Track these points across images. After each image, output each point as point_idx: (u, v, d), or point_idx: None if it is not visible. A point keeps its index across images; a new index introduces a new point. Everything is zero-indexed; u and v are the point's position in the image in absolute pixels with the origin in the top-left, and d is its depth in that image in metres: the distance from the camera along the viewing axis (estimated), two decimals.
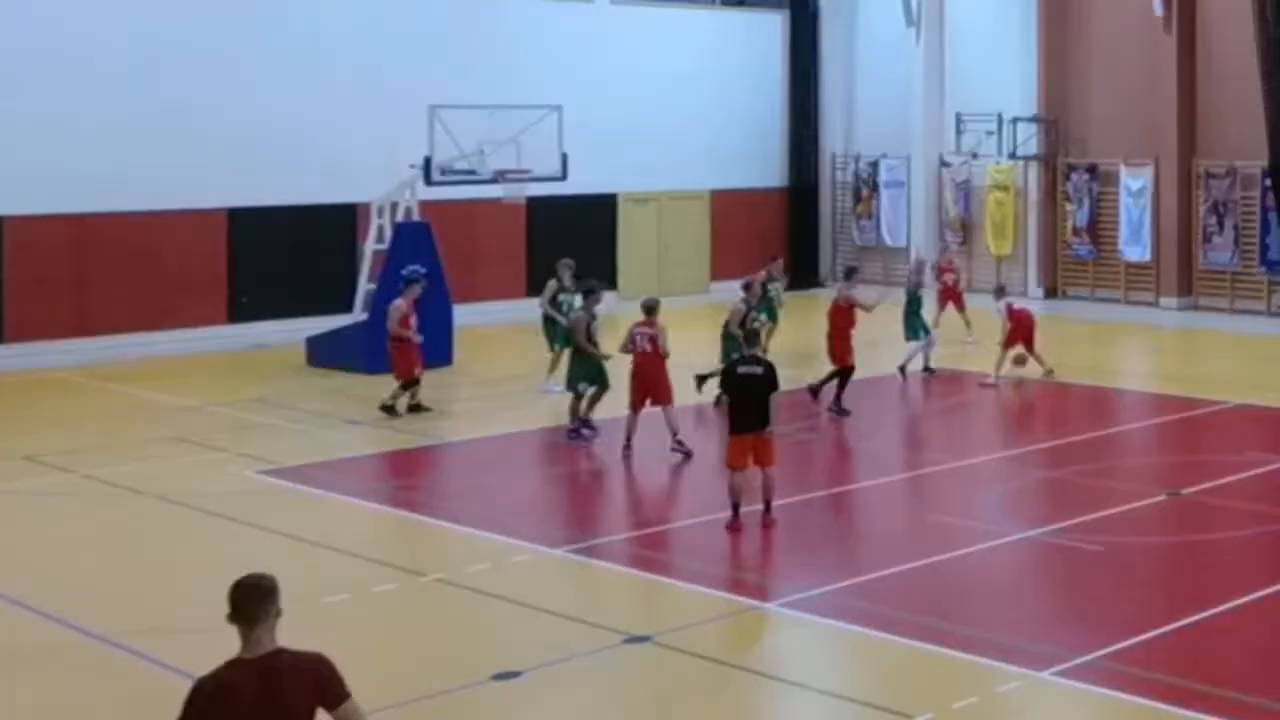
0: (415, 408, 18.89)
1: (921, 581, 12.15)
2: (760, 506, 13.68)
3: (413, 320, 19.03)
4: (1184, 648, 10.62)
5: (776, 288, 22.47)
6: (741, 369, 13.83)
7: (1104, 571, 12.41)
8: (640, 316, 17.00)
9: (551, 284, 20.91)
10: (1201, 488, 15.10)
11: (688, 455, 16.23)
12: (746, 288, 19.69)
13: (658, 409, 16.51)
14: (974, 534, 13.46)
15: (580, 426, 17.52)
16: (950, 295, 24.98)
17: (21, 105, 23.25)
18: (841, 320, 19.27)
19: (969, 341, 23.89)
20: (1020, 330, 21.08)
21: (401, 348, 18.87)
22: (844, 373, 18.97)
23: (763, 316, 22.12)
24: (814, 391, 19.29)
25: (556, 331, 20.44)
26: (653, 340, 16.61)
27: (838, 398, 18.86)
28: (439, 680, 9.92)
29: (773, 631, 11.19)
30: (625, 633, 10.76)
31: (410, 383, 18.85)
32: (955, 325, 24.42)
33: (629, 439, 16.47)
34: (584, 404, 17.58)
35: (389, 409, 18.66)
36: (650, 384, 16.55)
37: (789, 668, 10.41)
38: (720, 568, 12.71)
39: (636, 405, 16.57)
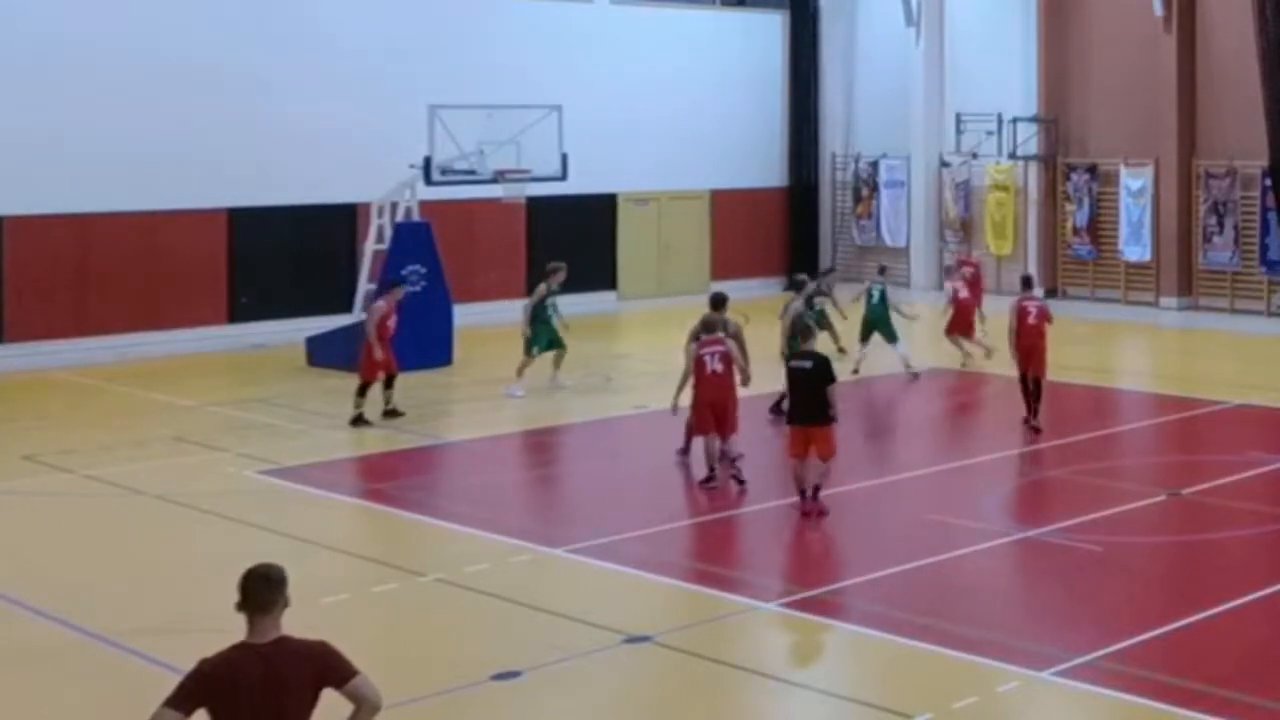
0: (390, 413, 18.51)
1: (921, 581, 12.15)
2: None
3: (392, 322, 18.86)
4: (1184, 647, 10.62)
5: (824, 302, 22.74)
6: (793, 363, 14.37)
7: (1104, 571, 12.41)
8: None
9: (541, 288, 20.75)
10: (1201, 488, 15.09)
11: (741, 483, 15.02)
12: (797, 286, 20.14)
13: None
14: (974, 534, 13.46)
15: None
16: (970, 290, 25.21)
17: (22, 105, 23.26)
18: (1043, 328, 18.31)
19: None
20: (962, 317, 22.27)
21: (368, 347, 18.52)
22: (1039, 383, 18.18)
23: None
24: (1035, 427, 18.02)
25: (539, 335, 20.37)
26: (726, 359, 15.10)
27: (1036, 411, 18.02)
28: (439, 680, 9.92)
29: (773, 631, 11.19)
30: (625, 633, 10.75)
31: (367, 386, 18.38)
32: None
33: (712, 469, 15.07)
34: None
35: (359, 419, 18.25)
36: (721, 410, 15.03)
37: (789, 668, 10.41)
38: (720, 568, 12.72)
39: (707, 432, 15.12)
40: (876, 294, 22.24)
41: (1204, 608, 11.29)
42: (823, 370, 13.99)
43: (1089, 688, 9.74)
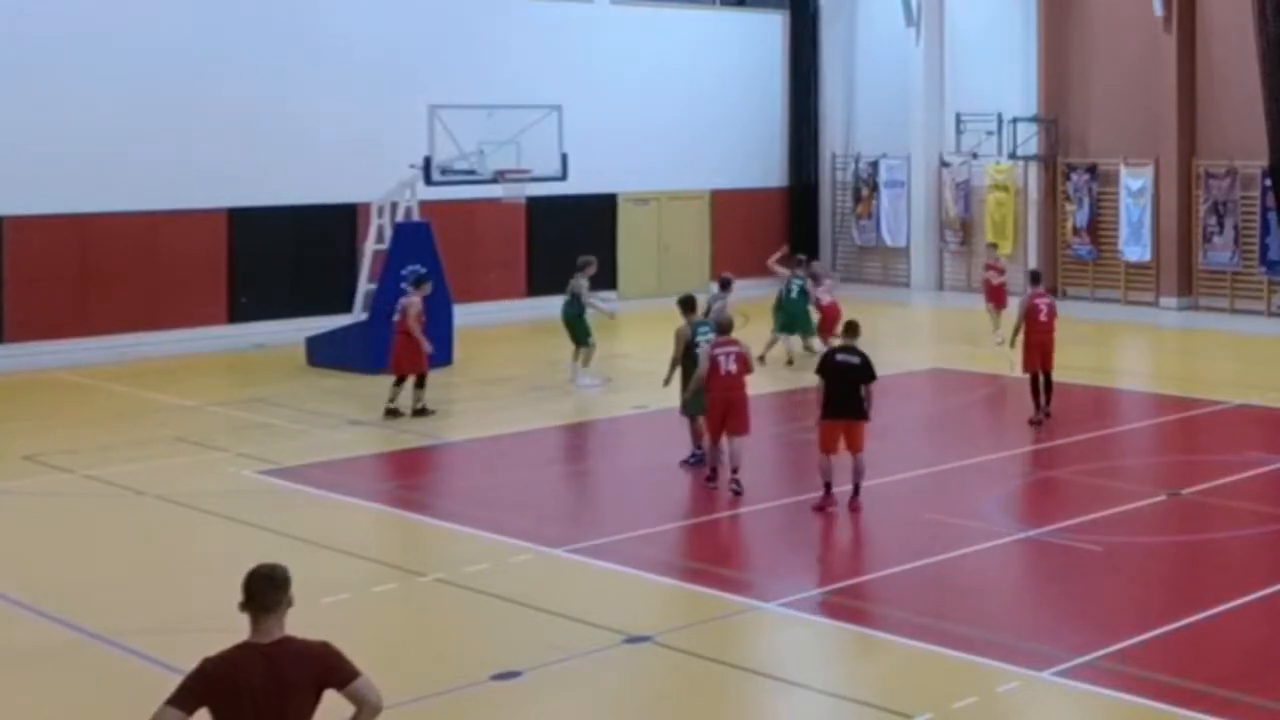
0: (421, 411, 18.67)
1: (921, 581, 12.15)
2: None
3: (424, 318, 19.07)
4: (1184, 647, 10.62)
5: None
6: (840, 357, 14.36)
7: (1104, 571, 12.41)
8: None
9: (584, 282, 21.17)
10: (1201, 488, 15.10)
11: (738, 494, 14.85)
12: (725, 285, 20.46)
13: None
14: (974, 534, 13.46)
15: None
16: (994, 294, 25.08)
17: (22, 105, 23.27)
18: (1053, 324, 18.57)
19: (995, 341, 23.74)
20: (828, 321, 22.44)
21: (410, 343, 18.70)
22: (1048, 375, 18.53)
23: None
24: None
25: (584, 327, 20.95)
26: (740, 360, 15.01)
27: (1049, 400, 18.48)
28: (439, 680, 9.92)
29: (773, 631, 11.18)
30: (625, 633, 10.75)
31: (420, 379, 18.67)
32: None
33: (715, 469, 15.18)
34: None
35: (423, 410, 18.58)
36: (731, 410, 14.94)
37: (789, 668, 10.40)
38: (720, 568, 12.71)
39: (717, 433, 15.08)
40: (796, 288, 22.57)
41: (1204, 608, 11.29)
42: (867, 366, 14.24)
43: (1089, 688, 9.74)
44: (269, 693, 5.70)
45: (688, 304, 16.44)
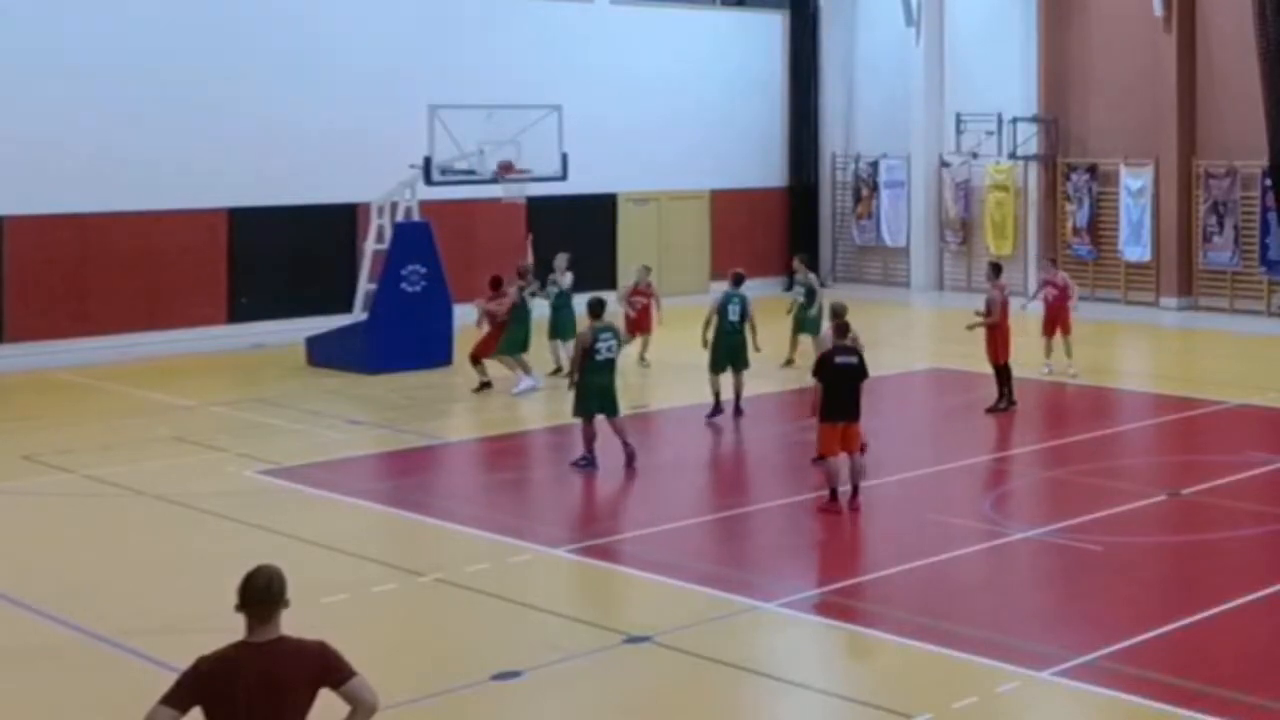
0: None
1: (921, 581, 12.15)
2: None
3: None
4: (1183, 648, 10.62)
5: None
6: (839, 359, 14.29)
7: (1104, 571, 12.41)
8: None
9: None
10: (1201, 488, 15.10)
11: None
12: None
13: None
14: (974, 534, 13.47)
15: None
16: (1058, 317, 23.52)
17: (21, 105, 23.25)
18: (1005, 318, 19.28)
19: (1071, 373, 23.49)
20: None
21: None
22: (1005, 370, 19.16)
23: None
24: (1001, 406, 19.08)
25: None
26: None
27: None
28: (439, 680, 9.93)
29: (773, 631, 11.18)
30: (625, 633, 10.76)
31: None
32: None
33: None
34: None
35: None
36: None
37: (789, 668, 10.40)
38: (720, 568, 12.71)
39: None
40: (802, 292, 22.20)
41: (1204, 608, 11.29)
42: (864, 366, 14.32)
43: (1089, 688, 9.74)
44: (264, 691, 5.69)
45: (596, 307, 16.15)
